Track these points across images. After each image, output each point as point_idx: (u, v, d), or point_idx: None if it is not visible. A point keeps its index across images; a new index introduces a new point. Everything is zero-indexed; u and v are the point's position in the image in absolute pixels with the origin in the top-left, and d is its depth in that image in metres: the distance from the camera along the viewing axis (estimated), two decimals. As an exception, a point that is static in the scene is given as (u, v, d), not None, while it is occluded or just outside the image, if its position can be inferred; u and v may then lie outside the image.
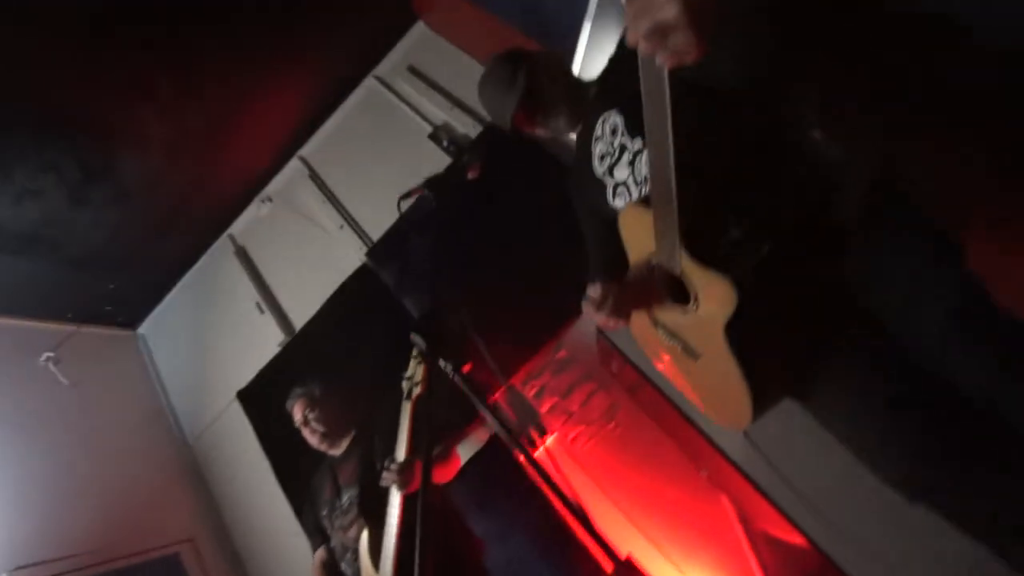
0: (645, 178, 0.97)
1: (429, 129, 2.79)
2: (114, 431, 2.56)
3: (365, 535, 1.53)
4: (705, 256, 0.78)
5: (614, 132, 1.04)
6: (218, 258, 3.08)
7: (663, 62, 0.56)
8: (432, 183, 1.27)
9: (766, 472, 1.19)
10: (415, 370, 1.52)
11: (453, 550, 1.58)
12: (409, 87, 2.93)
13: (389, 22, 2.99)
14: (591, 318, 0.93)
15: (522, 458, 1.37)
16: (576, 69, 1.66)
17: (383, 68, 3.06)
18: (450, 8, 2.60)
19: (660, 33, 0.53)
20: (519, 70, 1.11)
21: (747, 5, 0.70)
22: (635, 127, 0.99)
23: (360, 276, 2.65)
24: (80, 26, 1.71)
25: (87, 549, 2.09)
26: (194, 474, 2.70)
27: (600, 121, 1.08)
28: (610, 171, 1.06)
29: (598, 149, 1.10)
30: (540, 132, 1.17)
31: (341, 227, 2.83)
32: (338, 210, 2.87)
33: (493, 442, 2.17)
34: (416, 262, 2.49)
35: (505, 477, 2.05)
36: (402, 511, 1.41)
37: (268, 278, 2.95)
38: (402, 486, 1.41)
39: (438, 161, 2.69)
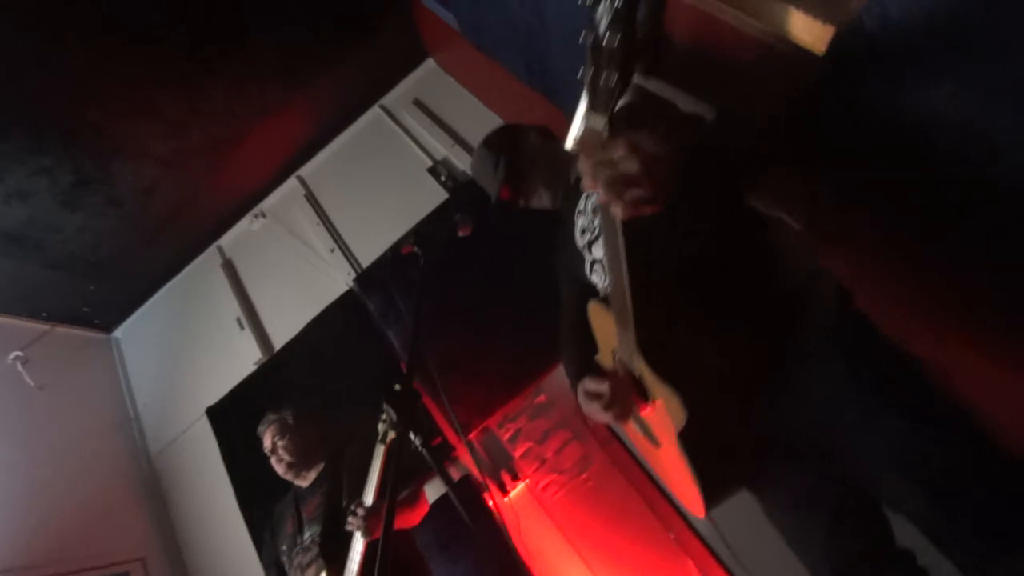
0: None
1: (429, 163, 2.85)
2: (75, 438, 2.48)
3: (323, 575, 1.50)
4: (659, 369, 0.79)
5: (595, 211, 1.09)
6: (204, 269, 3.06)
7: (618, 213, 0.60)
8: (422, 239, 1.30)
9: (724, 547, 1.21)
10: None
11: None
12: (413, 120, 2.99)
13: (400, 56, 3.07)
14: (595, 418, 0.93)
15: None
16: (570, 142, 1.74)
17: (389, 99, 3.13)
18: (461, 50, 2.68)
19: (619, 184, 0.56)
20: (502, 156, 1.19)
21: (712, 165, 0.74)
22: None
23: (345, 302, 2.65)
24: (92, 38, 1.74)
25: (33, 561, 2.00)
26: (152, 489, 2.62)
27: (584, 196, 1.14)
28: (589, 247, 1.11)
29: (580, 223, 1.15)
30: (525, 206, 1.23)
31: (332, 250, 2.84)
32: (331, 233, 2.89)
33: (462, 483, 2.15)
34: (402, 295, 2.50)
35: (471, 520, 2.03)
36: (363, 559, 1.39)
37: (252, 294, 2.93)
38: (367, 533, 1.40)
39: (435, 194, 2.74)
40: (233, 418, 2.60)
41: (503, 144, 1.24)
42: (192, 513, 2.57)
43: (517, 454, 2.23)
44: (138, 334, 3.07)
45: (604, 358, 1.07)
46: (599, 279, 1.08)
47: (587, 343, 1.09)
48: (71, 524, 2.20)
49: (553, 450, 2.18)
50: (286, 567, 1.65)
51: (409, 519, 1.62)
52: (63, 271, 2.49)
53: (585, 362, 1.09)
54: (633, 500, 1.93)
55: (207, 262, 3.07)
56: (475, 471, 2.23)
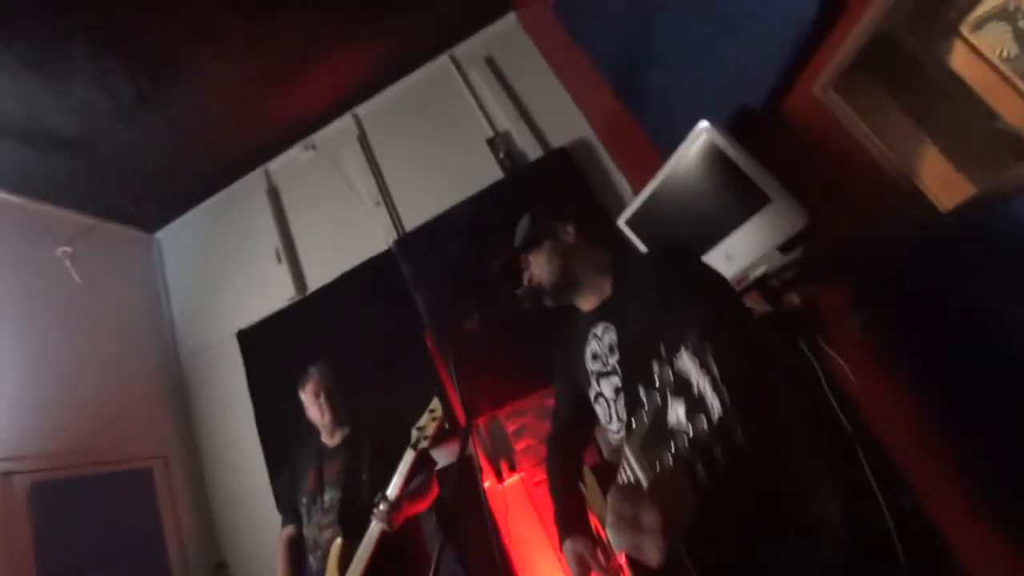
0: (623, 421, 1.04)
1: (490, 133, 2.75)
2: (113, 336, 2.63)
3: (339, 542, 1.64)
4: None
5: (611, 350, 1.06)
6: (249, 190, 3.06)
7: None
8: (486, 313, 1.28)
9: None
10: (428, 424, 1.59)
11: (402, 563, 1.69)
12: (481, 80, 2.84)
13: (481, 2, 2.84)
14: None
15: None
16: (625, 217, 1.70)
17: (461, 50, 2.96)
18: (548, 17, 2.49)
19: (632, 548, 0.60)
20: (532, 229, 1.17)
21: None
22: (630, 369, 1.01)
23: (384, 261, 2.67)
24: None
25: (68, 449, 2.20)
26: (178, 394, 2.81)
27: (603, 325, 1.10)
28: (598, 378, 1.09)
29: (593, 346, 1.11)
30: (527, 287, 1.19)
31: (377, 204, 2.82)
32: (378, 185, 2.85)
33: (462, 462, 2.29)
34: (440, 266, 2.52)
35: (466, 501, 2.18)
36: (376, 546, 1.54)
37: (293, 227, 2.96)
38: (388, 526, 1.53)
39: (489, 170, 2.66)
40: (261, 346, 2.74)
41: (543, 220, 1.20)
42: (213, 422, 2.78)
43: (519, 448, 2.36)
44: (179, 240, 3.15)
45: (592, 503, 1.13)
46: (602, 412, 1.09)
47: (574, 473, 1.18)
48: (102, 417, 2.39)
49: (553, 452, 2.32)
50: (303, 517, 1.80)
51: (422, 505, 1.74)
52: (114, 173, 2.52)
53: (571, 503, 1.16)
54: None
55: (253, 183, 3.06)
56: (480, 455, 2.39)
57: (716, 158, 1.39)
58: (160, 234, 3.15)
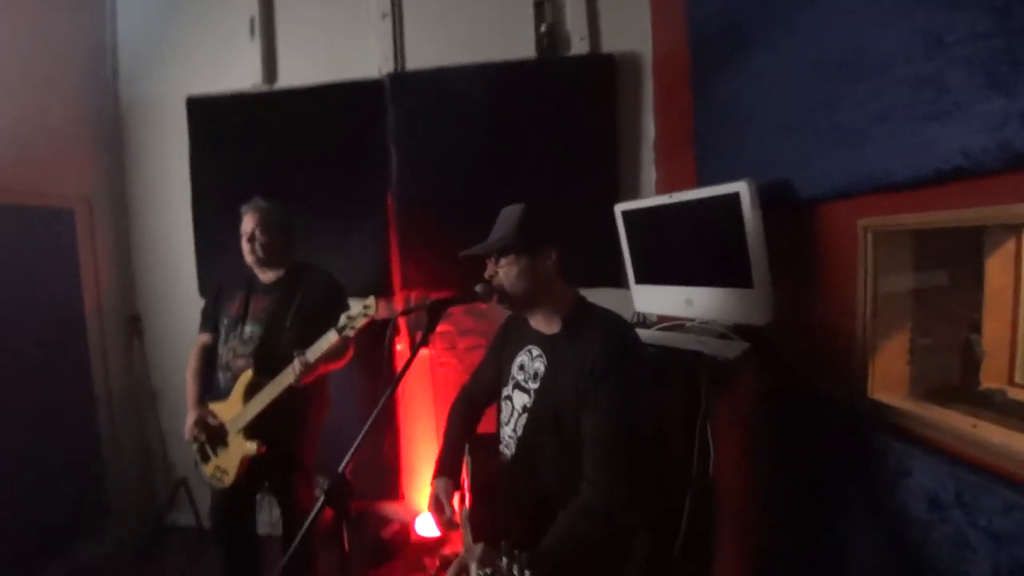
0: (516, 434, 1.22)
1: (541, -7, 2.29)
2: (45, 55, 2.21)
3: (249, 373, 1.73)
4: None
5: (535, 377, 1.20)
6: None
7: None
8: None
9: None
10: (359, 316, 1.56)
11: (301, 405, 1.83)
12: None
13: None
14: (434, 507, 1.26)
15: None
16: (625, 207, 1.65)
17: None
18: None
19: None
20: (517, 234, 1.16)
21: None
22: (539, 408, 1.17)
23: (371, 91, 2.36)
24: None
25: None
26: (114, 138, 2.54)
27: (538, 351, 1.22)
28: (514, 386, 1.25)
29: (523, 358, 1.25)
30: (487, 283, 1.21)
31: (384, 16, 2.37)
32: (393, -2, 2.36)
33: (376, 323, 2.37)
34: (429, 127, 2.30)
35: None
36: (283, 393, 1.66)
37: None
38: (296, 382, 1.64)
39: (523, 43, 2.29)
40: (211, 124, 2.47)
41: (531, 226, 1.17)
42: (144, 178, 2.60)
43: (439, 329, 2.52)
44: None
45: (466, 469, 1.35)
46: (504, 412, 1.27)
47: (468, 431, 1.39)
48: (25, 146, 2.13)
49: (465, 346, 2.50)
50: (221, 335, 1.87)
51: (336, 366, 1.84)
52: None
53: (456, 453, 1.34)
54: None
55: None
56: (401, 321, 2.53)
57: (733, 220, 1.31)
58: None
